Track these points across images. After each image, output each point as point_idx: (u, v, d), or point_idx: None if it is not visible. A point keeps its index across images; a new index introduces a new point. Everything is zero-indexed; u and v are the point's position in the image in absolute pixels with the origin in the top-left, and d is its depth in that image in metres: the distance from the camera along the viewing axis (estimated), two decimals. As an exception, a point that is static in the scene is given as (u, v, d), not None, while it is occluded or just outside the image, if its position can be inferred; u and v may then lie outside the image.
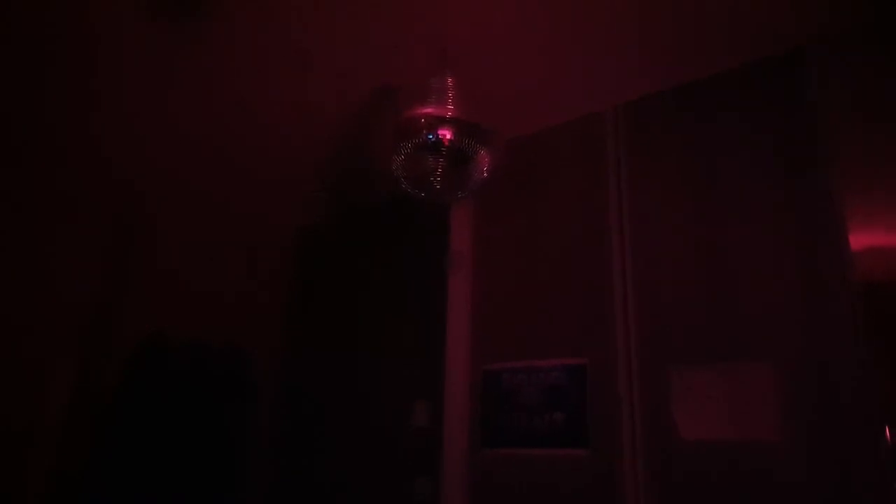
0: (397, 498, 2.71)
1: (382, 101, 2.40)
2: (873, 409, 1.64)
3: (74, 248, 3.08)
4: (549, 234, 2.45)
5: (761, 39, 2.05)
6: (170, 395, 3.16)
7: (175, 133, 2.75)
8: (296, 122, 2.64)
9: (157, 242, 3.34)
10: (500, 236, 2.60)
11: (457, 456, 2.38)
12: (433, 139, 1.89)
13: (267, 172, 3.09)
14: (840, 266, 1.79)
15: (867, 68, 2.01)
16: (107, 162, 2.98)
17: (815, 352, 1.77)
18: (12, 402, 2.76)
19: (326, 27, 2.07)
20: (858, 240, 1.84)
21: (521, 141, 2.61)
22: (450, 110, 1.89)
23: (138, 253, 3.26)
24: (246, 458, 3.38)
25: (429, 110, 1.89)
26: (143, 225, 3.31)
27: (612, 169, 2.35)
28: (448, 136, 1.89)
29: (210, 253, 3.48)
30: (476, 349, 2.49)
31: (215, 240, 3.52)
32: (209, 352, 3.37)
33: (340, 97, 2.45)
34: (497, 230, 2.62)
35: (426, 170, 1.95)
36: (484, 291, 2.56)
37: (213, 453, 3.25)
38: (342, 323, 3.33)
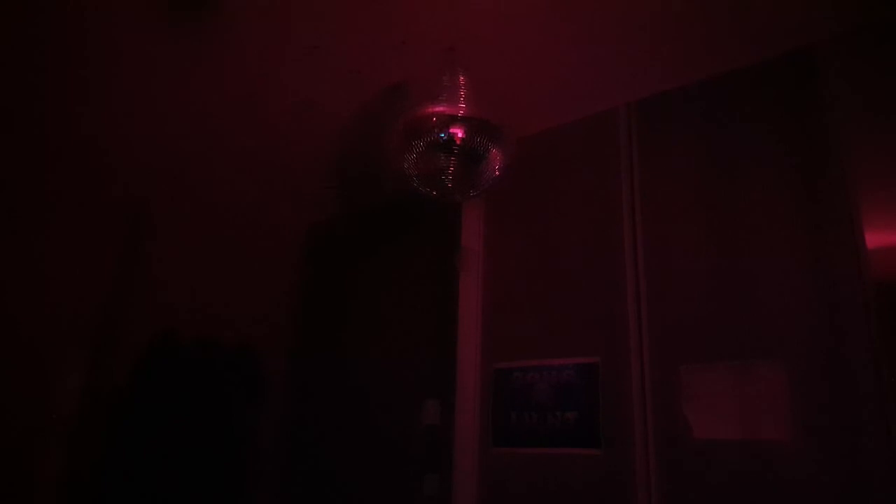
0: (406, 496, 2.71)
1: (392, 99, 2.39)
2: (886, 409, 1.63)
3: (83, 247, 3.09)
4: (561, 232, 2.44)
5: (774, 37, 2.03)
6: (180, 394, 3.17)
7: (181, 131, 2.75)
8: (303, 119, 2.63)
9: (167, 241, 3.34)
10: (512, 234, 2.59)
11: (467, 454, 2.38)
12: (445, 137, 1.89)
13: (275, 170, 3.09)
14: (854, 264, 1.78)
15: (882, 65, 1.99)
16: (113, 160, 2.98)
17: (828, 351, 1.75)
18: (22, 401, 2.77)
19: (334, 23, 2.06)
20: (873, 238, 1.83)
21: (533, 139, 2.60)
22: (461, 108, 1.89)
23: (148, 251, 3.27)
24: (255, 455, 3.39)
25: (440, 108, 1.89)
26: (152, 223, 3.32)
27: (625, 167, 2.33)
28: (460, 135, 1.88)
29: (219, 251, 3.48)
30: (487, 347, 2.49)
31: (225, 237, 3.52)
32: (219, 350, 3.38)
33: (349, 94, 2.44)
34: (508, 228, 2.61)
35: (438, 168, 1.94)
36: (495, 289, 2.56)
37: (223, 451, 3.26)
38: (352, 321, 3.32)
